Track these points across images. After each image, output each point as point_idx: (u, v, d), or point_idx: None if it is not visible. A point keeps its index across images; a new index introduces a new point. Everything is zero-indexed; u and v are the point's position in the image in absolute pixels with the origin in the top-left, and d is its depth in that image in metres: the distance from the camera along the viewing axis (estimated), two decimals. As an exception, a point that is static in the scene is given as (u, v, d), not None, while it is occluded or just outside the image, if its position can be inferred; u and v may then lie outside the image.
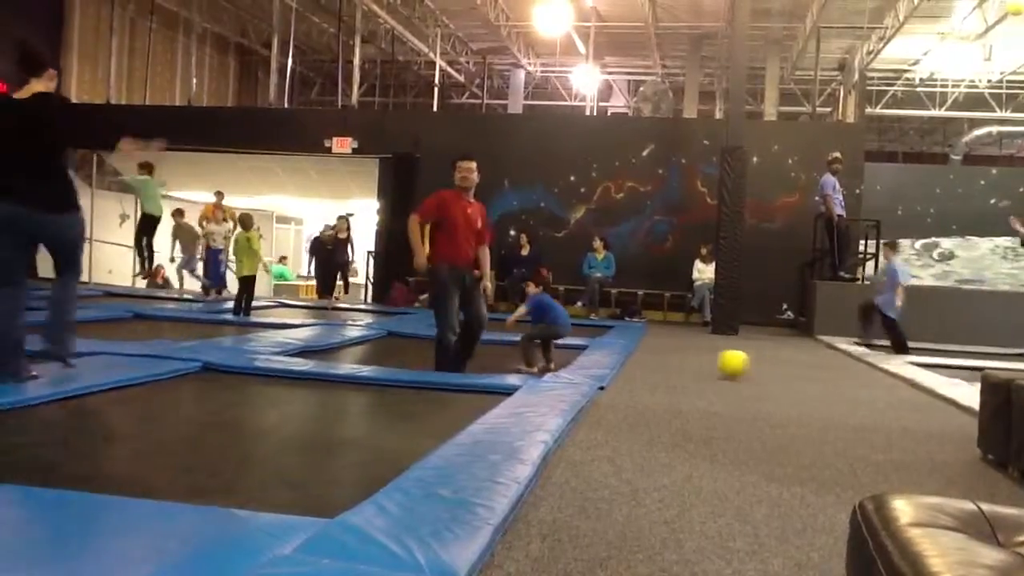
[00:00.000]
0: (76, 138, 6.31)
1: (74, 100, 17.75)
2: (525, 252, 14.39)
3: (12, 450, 3.68)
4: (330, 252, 14.48)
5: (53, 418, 4.39)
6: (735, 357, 7.22)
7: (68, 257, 5.27)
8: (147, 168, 12.88)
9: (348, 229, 14.30)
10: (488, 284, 6.67)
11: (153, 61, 19.57)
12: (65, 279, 5.32)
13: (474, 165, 6.39)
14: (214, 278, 13.91)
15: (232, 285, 13.94)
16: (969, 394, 6.12)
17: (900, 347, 10.08)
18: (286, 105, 20.39)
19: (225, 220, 13.97)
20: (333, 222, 14.66)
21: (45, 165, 4.96)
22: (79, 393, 4.82)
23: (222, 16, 22.14)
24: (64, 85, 17.62)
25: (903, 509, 1.73)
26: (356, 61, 19.00)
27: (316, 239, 15.74)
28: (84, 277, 16.05)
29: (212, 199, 14.50)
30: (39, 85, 5.02)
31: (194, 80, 20.67)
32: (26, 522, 2.57)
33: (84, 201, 15.69)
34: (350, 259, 14.67)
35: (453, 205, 6.29)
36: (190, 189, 16.99)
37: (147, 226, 13.07)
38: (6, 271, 4.89)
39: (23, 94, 4.97)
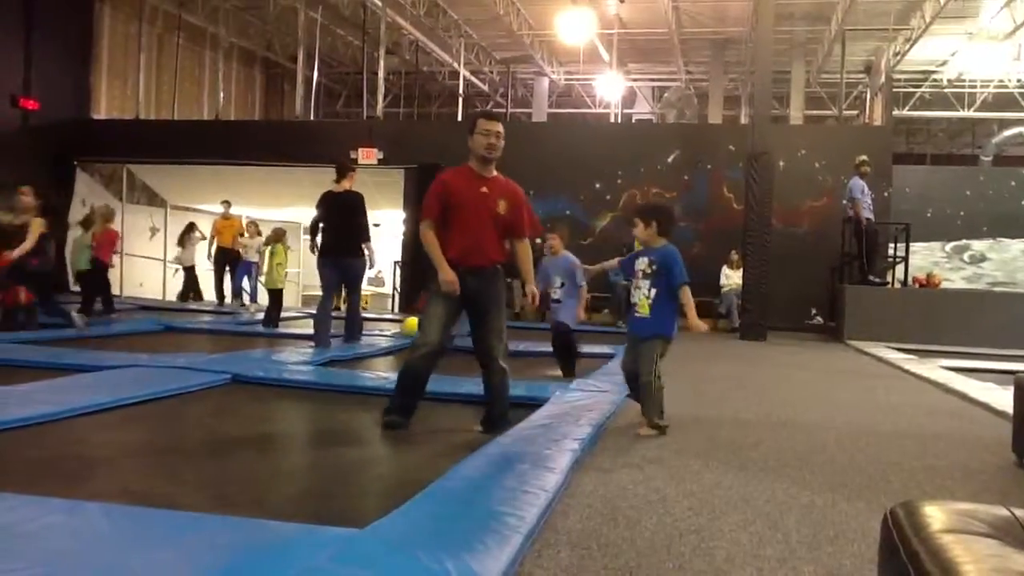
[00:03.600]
0: (366, 219, 8.48)
1: (103, 116, 18.03)
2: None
3: (45, 462, 3.73)
4: None
5: (85, 430, 4.45)
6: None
7: (354, 284, 8.67)
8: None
9: None
10: (534, 289, 4.78)
11: (181, 76, 19.81)
12: (354, 297, 8.86)
13: (501, 128, 4.68)
14: (236, 289, 14.15)
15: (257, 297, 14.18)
16: (1003, 398, 6.05)
17: (570, 370, 7.30)
18: (312, 117, 20.55)
19: (259, 234, 14.18)
20: None
21: (354, 232, 8.29)
22: (111, 406, 4.88)
23: (248, 30, 22.37)
24: (94, 101, 17.90)
25: (935, 515, 1.72)
26: (380, 72, 19.12)
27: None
28: (116, 291, 16.37)
29: (239, 213, 14.68)
30: (347, 183, 8.39)
31: (221, 94, 20.88)
32: (59, 533, 2.61)
33: (115, 215, 15.97)
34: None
35: (461, 186, 4.61)
36: (213, 202, 17.18)
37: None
38: (329, 293, 8.61)
39: (338, 189, 8.38)
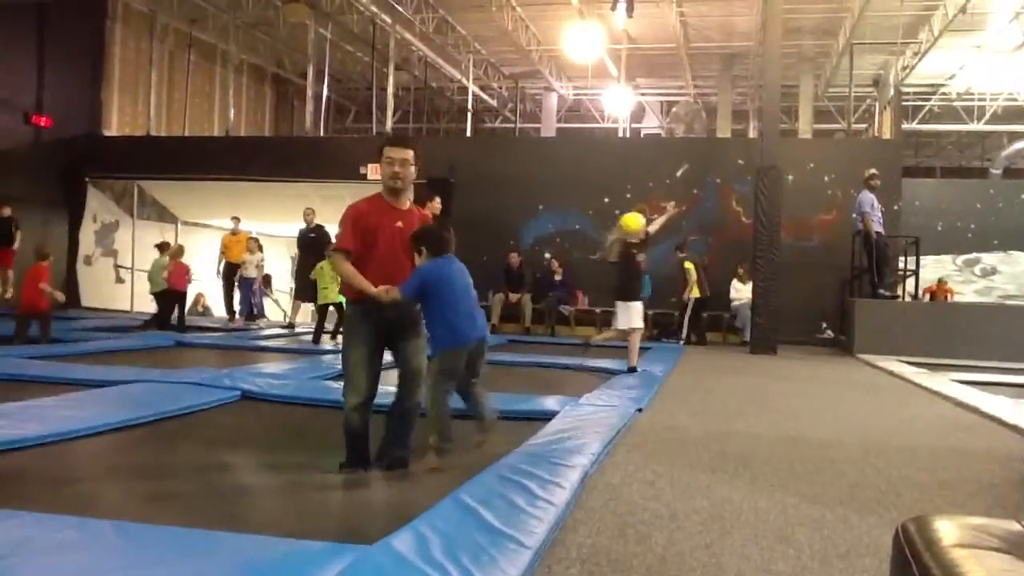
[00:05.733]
0: None
1: (115, 133, 18.15)
2: (558, 277, 14.46)
3: (57, 479, 3.75)
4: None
5: (97, 448, 4.47)
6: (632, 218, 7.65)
7: None
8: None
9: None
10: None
11: (192, 93, 19.95)
12: None
13: (410, 154, 4.21)
14: (245, 305, 14.18)
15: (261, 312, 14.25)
16: (1015, 412, 6.02)
17: None
18: (322, 133, 20.63)
19: (260, 249, 14.24)
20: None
21: None
22: (122, 424, 4.91)
23: (258, 47, 22.50)
24: (105, 118, 18.03)
25: (947, 530, 1.71)
26: (390, 88, 19.21)
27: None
28: (126, 306, 16.42)
29: (248, 228, 14.72)
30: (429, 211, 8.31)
31: (232, 110, 20.97)
32: (71, 550, 2.62)
33: (126, 231, 16.29)
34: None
35: (375, 219, 4.20)
36: (224, 217, 17.26)
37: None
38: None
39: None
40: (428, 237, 4.23)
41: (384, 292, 4.04)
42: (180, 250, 13.39)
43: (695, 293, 13.32)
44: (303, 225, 13.16)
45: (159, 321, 12.67)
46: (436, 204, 9.65)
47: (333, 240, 12.70)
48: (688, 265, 13.39)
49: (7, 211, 13.88)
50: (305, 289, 12.94)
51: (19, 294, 10.53)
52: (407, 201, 4.35)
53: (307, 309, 13.74)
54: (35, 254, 10.66)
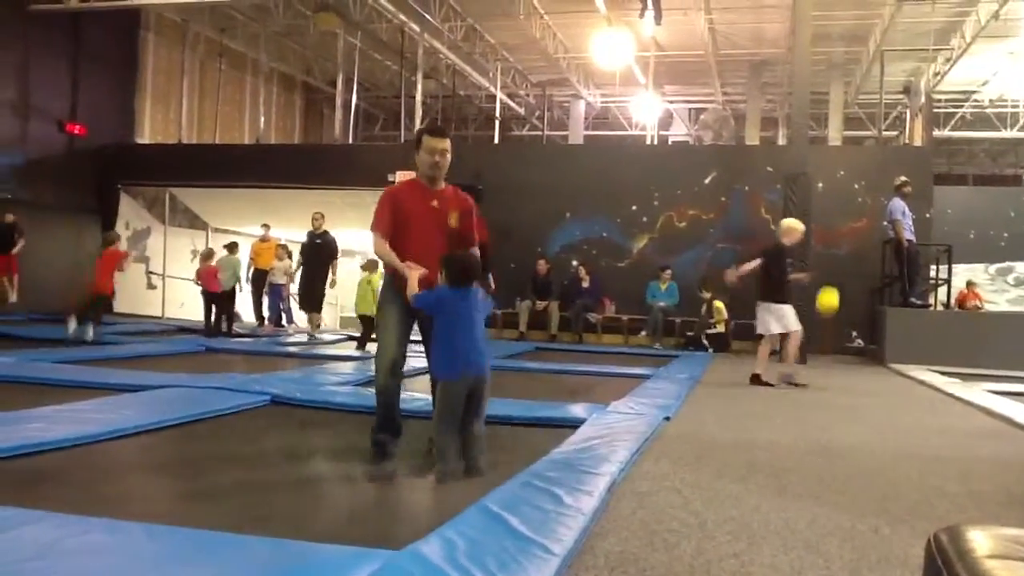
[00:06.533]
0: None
1: (147, 141, 18.39)
2: (586, 284, 14.45)
3: (88, 482, 3.79)
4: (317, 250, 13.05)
5: (128, 451, 4.52)
6: (829, 294, 7.36)
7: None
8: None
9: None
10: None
11: (222, 101, 20.18)
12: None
13: (448, 144, 4.41)
14: (274, 312, 14.29)
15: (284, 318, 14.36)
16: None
17: None
18: (350, 141, 20.77)
19: (289, 256, 14.34)
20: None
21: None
22: (153, 427, 4.96)
23: (288, 56, 22.71)
24: (138, 126, 18.28)
25: (980, 541, 1.69)
26: (418, 96, 19.32)
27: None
28: (158, 312, 16.60)
29: (278, 235, 14.84)
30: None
31: (262, 118, 21.21)
32: (100, 552, 2.64)
33: (158, 238, 16.59)
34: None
35: (411, 200, 4.43)
36: (253, 224, 17.41)
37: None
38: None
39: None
40: (450, 266, 4.13)
41: (408, 268, 4.15)
42: (210, 253, 13.52)
43: (720, 328, 13.38)
44: (310, 229, 13.00)
45: (224, 317, 12.92)
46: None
47: (339, 249, 12.80)
48: (719, 305, 13.43)
49: (10, 217, 13.98)
50: (311, 298, 12.89)
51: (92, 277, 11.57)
52: (442, 182, 4.50)
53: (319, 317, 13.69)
54: (103, 241, 11.96)
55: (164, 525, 2.95)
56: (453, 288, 4.08)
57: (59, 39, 15.84)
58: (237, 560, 2.60)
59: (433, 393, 4.30)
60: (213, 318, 12.86)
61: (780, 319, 8.42)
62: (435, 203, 4.42)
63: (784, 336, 8.54)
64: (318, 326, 13.39)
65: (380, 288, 4.69)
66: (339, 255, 13.11)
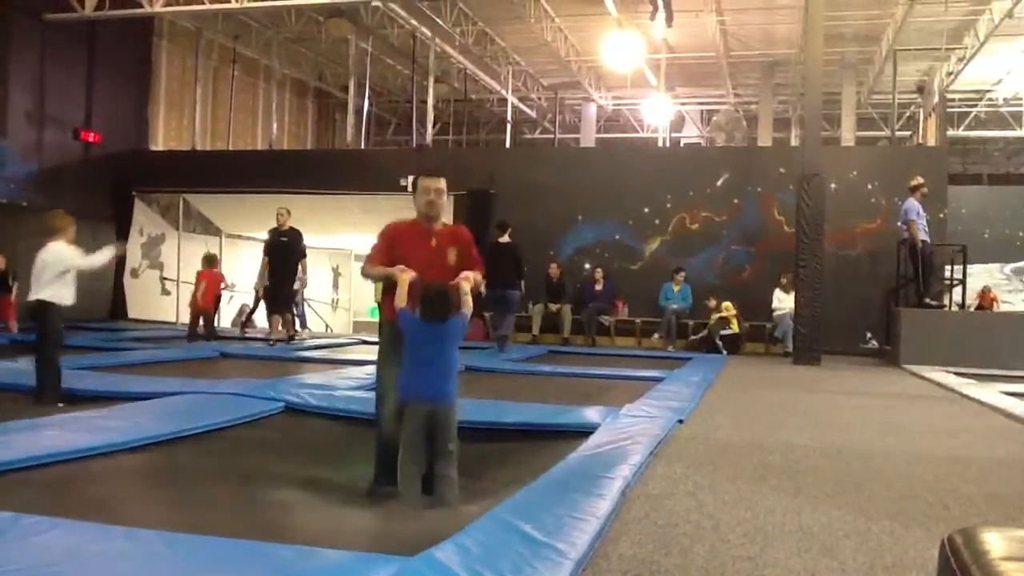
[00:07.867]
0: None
1: (161, 147, 18.49)
2: (600, 287, 14.45)
3: (106, 490, 3.82)
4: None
5: (144, 459, 4.55)
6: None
7: (512, 307, 12.18)
8: None
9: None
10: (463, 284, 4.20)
11: (236, 107, 20.26)
12: (510, 319, 12.22)
13: (443, 183, 4.55)
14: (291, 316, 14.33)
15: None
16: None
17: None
18: (363, 146, 20.83)
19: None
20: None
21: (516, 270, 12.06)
22: (169, 437, 5.00)
23: (300, 62, 22.79)
24: (152, 133, 18.37)
25: (995, 543, 1.69)
26: (430, 101, 19.36)
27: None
28: (171, 317, 16.67)
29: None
30: (506, 237, 12.20)
31: (274, 124, 21.28)
32: (119, 559, 2.66)
33: (172, 244, 16.68)
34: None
35: (410, 241, 4.47)
36: (266, 230, 17.48)
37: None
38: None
39: (504, 239, 12.17)
40: (424, 303, 4.11)
41: (400, 272, 4.17)
42: (213, 258, 13.63)
43: (734, 328, 13.41)
44: (273, 226, 12.33)
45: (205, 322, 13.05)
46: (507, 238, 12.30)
47: (305, 249, 12.78)
48: (727, 304, 13.73)
49: (2, 262, 12.97)
50: (278, 300, 12.29)
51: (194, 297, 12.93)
52: (439, 222, 4.60)
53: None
54: (204, 262, 13.08)
55: (182, 533, 2.97)
56: (424, 321, 4.06)
57: (74, 47, 15.95)
58: (253, 567, 2.62)
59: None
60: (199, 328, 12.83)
61: None
62: (434, 242, 4.50)
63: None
64: (291, 337, 12.67)
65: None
66: (307, 254, 12.69)
